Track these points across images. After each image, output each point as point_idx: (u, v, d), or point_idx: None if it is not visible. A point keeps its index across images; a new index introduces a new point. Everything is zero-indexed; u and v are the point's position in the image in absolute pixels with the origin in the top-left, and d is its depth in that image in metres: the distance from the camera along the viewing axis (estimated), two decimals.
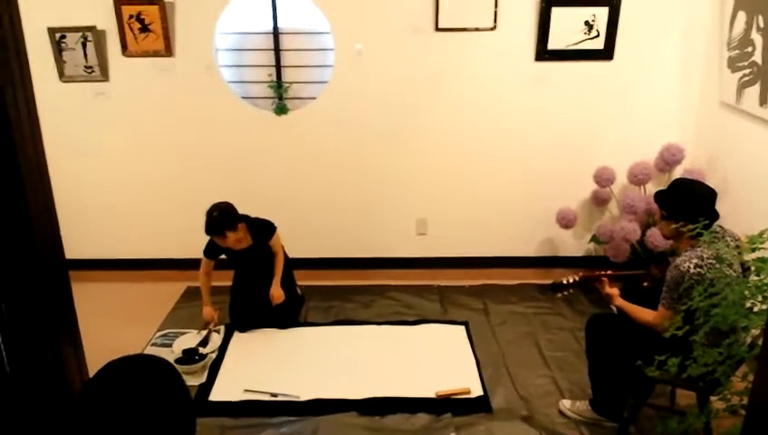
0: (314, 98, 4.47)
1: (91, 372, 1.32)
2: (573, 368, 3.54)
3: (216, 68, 4.39)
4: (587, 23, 4.21)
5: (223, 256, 3.89)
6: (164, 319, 4.11)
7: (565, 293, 3.16)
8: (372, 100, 4.43)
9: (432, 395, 3.32)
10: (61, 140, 4.35)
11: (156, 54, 4.31)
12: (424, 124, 4.49)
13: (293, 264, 4.19)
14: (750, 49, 3.64)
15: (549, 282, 3.39)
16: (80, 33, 4.26)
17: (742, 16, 3.73)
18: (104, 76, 4.37)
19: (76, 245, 4.50)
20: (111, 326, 3.87)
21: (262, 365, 3.64)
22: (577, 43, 4.26)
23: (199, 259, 3.90)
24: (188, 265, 4.09)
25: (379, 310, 4.22)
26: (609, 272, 3.08)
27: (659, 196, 2.85)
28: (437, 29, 4.24)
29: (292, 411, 3.23)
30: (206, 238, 3.78)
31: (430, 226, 4.75)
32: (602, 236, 4.36)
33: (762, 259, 2.19)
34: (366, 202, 4.69)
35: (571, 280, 3.10)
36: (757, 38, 3.56)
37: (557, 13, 4.17)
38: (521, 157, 4.55)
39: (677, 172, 4.20)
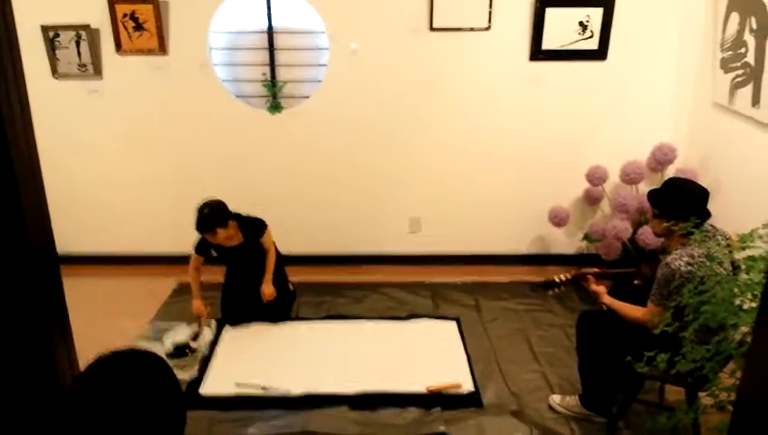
0: (308, 97, 4.47)
1: (82, 366, 1.33)
2: (563, 364, 3.56)
3: (210, 66, 4.39)
4: (581, 23, 4.22)
5: (214, 253, 3.88)
6: (155, 314, 4.11)
7: (556, 290, 3.18)
8: (366, 99, 4.43)
9: (423, 390, 3.33)
10: (54, 137, 4.35)
11: (150, 53, 4.31)
12: (418, 123, 4.50)
13: (286, 260, 4.20)
14: (743, 50, 3.65)
15: (541, 279, 3.40)
16: (73, 32, 4.25)
17: (735, 17, 3.75)
18: (98, 74, 4.37)
19: (68, 240, 4.50)
20: (102, 321, 3.87)
21: (253, 360, 3.65)
22: (571, 44, 4.27)
23: (191, 255, 3.90)
24: (180, 260, 4.09)
25: (370, 306, 4.24)
26: (595, 270, 3.10)
27: (652, 194, 2.87)
28: (432, 29, 4.25)
29: (283, 405, 3.24)
30: (198, 234, 3.78)
31: (423, 224, 4.76)
32: (594, 235, 4.38)
33: (752, 258, 2.22)
34: (359, 200, 4.70)
35: (562, 278, 3.12)
36: (750, 39, 3.58)
37: (551, 13, 4.19)
38: (514, 156, 4.57)
39: (670, 172, 4.22)
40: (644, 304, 2.77)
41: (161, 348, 3.62)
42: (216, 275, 4.04)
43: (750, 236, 2.23)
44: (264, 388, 3.35)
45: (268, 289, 3.91)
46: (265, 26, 4.36)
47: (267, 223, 3.93)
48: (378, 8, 4.24)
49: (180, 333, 3.77)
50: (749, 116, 3.62)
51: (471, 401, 3.27)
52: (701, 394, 2.59)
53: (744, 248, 2.26)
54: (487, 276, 4.61)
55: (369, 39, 4.30)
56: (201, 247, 3.84)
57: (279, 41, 4.40)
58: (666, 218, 2.74)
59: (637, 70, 4.36)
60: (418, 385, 3.36)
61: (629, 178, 4.26)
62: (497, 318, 4.09)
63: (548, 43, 4.27)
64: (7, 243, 1.82)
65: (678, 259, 2.61)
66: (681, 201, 2.74)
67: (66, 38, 4.26)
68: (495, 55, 4.33)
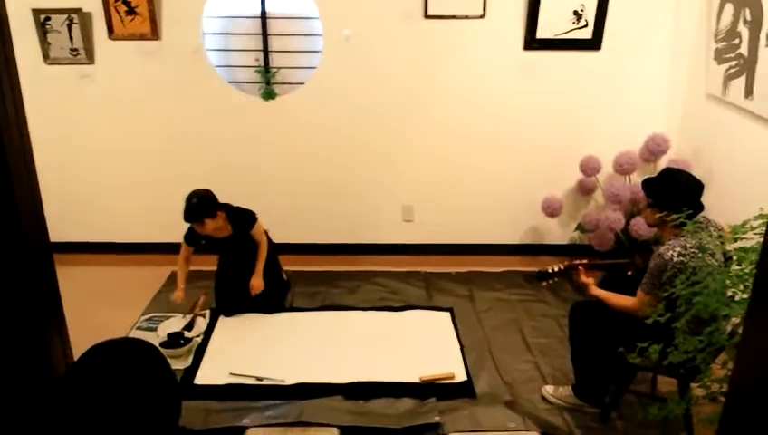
0: (302, 83, 4.45)
1: (76, 355, 1.32)
2: (556, 354, 3.58)
3: (203, 52, 4.36)
4: (576, 12, 4.21)
5: (204, 243, 3.85)
6: (149, 303, 4.10)
7: (550, 281, 3.19)
8: (360, 86, 4.42)
9: (416, 380, 3.34)
10: (45, 123, 4.31)
11: (142, 38, 4.28)
12: (412, 111, 4.48)
13: (280, 249, 4.19)
14: (737, 41, 3.66)
15: (534, 269, 3.41)
16: (65, 16, 4.21)
17: (729, 8, 3.75)
18: (90, 59, 4.33)
19: (61, 228, 4.46)
20: (96, 310, 3.86)
21: (247, 349, 3.65)
22: (565, 33, 4.26)
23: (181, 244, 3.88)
24: (174, 249, 4.07)
25: (364, 296, 4.24)
26: (585, 261, 3.10)
27: (647, 183, 2.87)
28: (426, 16, 4.23)
29: (278, 395, 3.24)
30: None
31: (417, 212, 4.76)
32: (587, 225, 4.39)
33: (744, 249, 2.23)
34: (353, 188, 4.69)
35: (556, 269, 3.13)
36: (744, 30, 3.58)
37: (546, 2, 4.17)
38: (507, 145, 4.56)
39: (663, 162, 4.22)
40: (635, 295, 2.78)
41: (155, 337, 3.62)
42: (211, 264, 4.03)
43: (742, 227, 2.24)
44: (258, 378, 3.36)
45: (257, 282, 3.89)
46: (259, 11, 4.33)
47: (257, 215, 3.89)
48: None
49: (174, 323, 3.77)
50: (742, 107, 3.63)
51: (464, 391, 3.28)
52: (693, 385, 2.61)
53: (735, 239, 2.27)
54: (480, 266, 4.62)
55: (363, 25, 4.28)
56: (190, 237, 3.80)
57: (272, 26, 4.37)
58: (659, 208, 2.75)
59: (631, 60, 4.35)
60: (412, 375, 3.37)
61: (623, 168, 4.27)
62: (491, 308, 4.10)
63: (542, 32, 4.26)
64: (0, 232, 1.81)
65: (671, 250, 2.62)
66: (676, 192, 2.74)
67: (58, 22, 4.22)
68: (490, 43, 4.32)
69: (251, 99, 4.47)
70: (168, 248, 4.36)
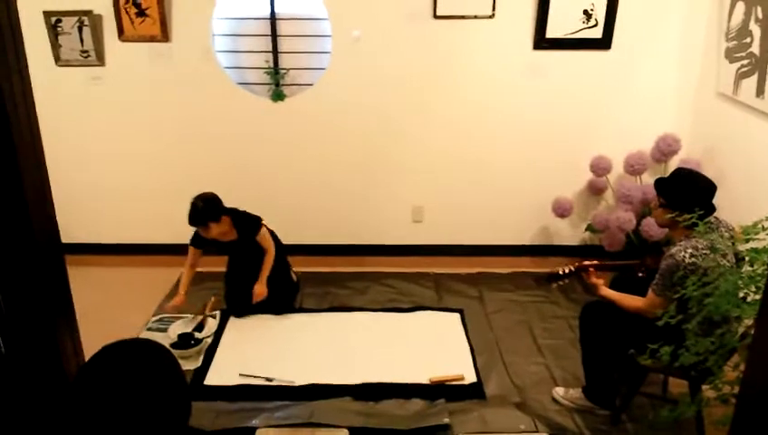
0: (311, 84, 4.46)
1: (87, 355, 1.33)
2: (567, 356, 3.56)
3: (213, 54, 4.37)
4: (585, 11, 4.19)
5: (211, 247, 3.85)
6: (159, 304, 4.11)
7: (560, 283, 3.16)
8: (370, 87, 4.42)
9: (426, 381, 3.34)
10: (57, 125, 4.34)
11: (152, 39, 4.29)
12: (421, 112, 4.48)
13: (289, 250, 4.19)
14: (748, 40, 3.63)
15: (544, 270, 3.40)
16: (76, 18, 4.23)
17: (741, 7, 3.73)
18: (100, 61, 4.35)
19: (72, 229, 4.50)
20: (107, 311, 3.87)
21: (257, 350, 3.65)
22: (575, 32, 4.25)
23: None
24: (185, 250, 4.07)
25: (374, 297, 4.23)
26: (595, 262, 3.08)
27: (659, 184, 2.86)
28: (436, 16, 4.22)
29: (287, 396, 3.24)
30: None
31: (426, 213, 4.76)
32: (598, 226, 4.37)
33: (755, 250, 2.21)
34: (362, 189, 4.69)
35: (566, 270, 3.10)
36: (755, 29, 3.56)
37: (556, 1, 4.16)
38: (517, 145, 4.55)
39: (674, 163, 4.20)
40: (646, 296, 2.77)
41: (166, 338, 3.63)
42: (221, 265, 4.04)
43: (754, 227, 2.22)
44: (268, 379, 3.36)
45: (260, 289, 3.87)
46: (268, 13, 4.34)
47: (263, 220, 3.87)
48: None
49: (185, 324, 3.78)
50: (754, 106, 3.61)
51: (474, 393, 3.28)
52: (704, 387, 2.58)
53: (747, 240, 2.25)
54: (490, 267, 4.61)
55: (372, 26, 4.28)
56: (197, 240, 3.80)
57: (282, 28, 4.38)
58: (671, 209, 2.73)
59: (641, 59, 4.33)
60: (422, 377, 3.37)
61: (633, 168, 4.25)
62: (501, 310, 4.08)
63: (552, 32, 4.25)
64: (12, 232, 1.82)
65: (683, 251, 2.61)
66: (689, 192, 2.72)
67: (68, 24, 4.25)
68: (499, 44, 4.31)
69: (260, 100, 4.48)
70: (179, 250, 4.36)
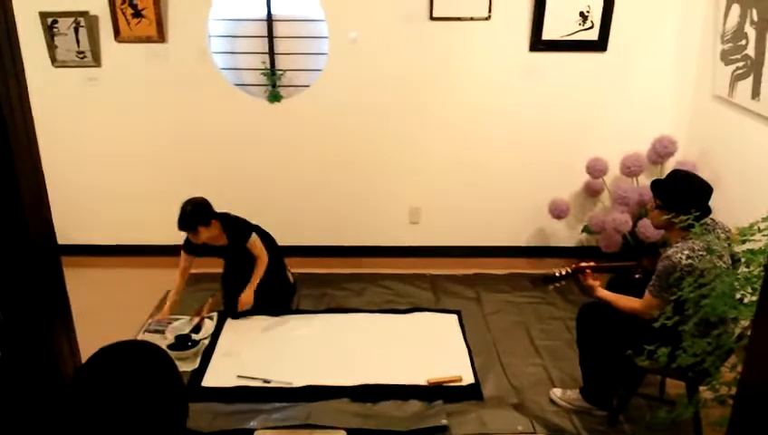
0: (308, 86, 4.46)
1: (84, 357, 1.33)
2: (564, 357, 3.57)
3: (209, 55, 4.37)
4: (582, 13, 4.20)
5: (202, 251, 3.82)
6: (157, 305, 4.10)
7: (557, 285, 3.16)
8: (366, 88, 4.42)
9: (424, 383, 3.34)
10: (53, 126, 4.33)
11: (148, 40, 4.29)
12: (417, 113, 4.48)
13: (286, 251, 4.19)
14: (743, 42, 3.64)
15: (541, 272, 3.40)
16: (72, 18, 4.23)
17: (736, 9, 3.74)
18: (96, 62, 4.34)
19: (68, 231, 4.50)
20: (104, 312, 3.86)
21: (254, 352, 3.65)
22: (571, 34, 4.25)
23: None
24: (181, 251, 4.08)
25: (371, 298, 4.23)
26: (591, 263, 3.09)
27: (656, 185, 2.86)
28: (432, 18, 4.23)
29: (285, 398, 3.24)
30: None
31: (423, 215, 4.76)
32: (594, 227, 4.38)
33: (752, 251, 2.21)
34: (359, 191, 4.69)
35: (563, 272, 3.10)
36: (750, 31, 3.57)
37: (552, 3, 4.17)
38: (514, 147, 4.56)
39: (670, 164, 4.21)
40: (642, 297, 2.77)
41: (163, 340, 3.63)
42: (217, 266, 4.03)
43: (750, 229, 2.23)
44: (265, 380, 3.36)
45: (245, 298, 3.81)
46: (265, 14, 4.34)
47: (255, 226, 3.84)
48: None
49: (182, 326, 3.77)
50: (749, 109, 3.62)
51: (471, 394, 3.28)
52: (702, 388, 2.59)
53: (743, 241, 2.25)
54: (487, 268, 4.61)
55: (368, 28, 4.28)
56: (189, 245, 3.76)
57: (278, 29, 4.38)
58: (667, 210, 2.74)
59: (637, 61, 4.34)
60: (419, 378, 3.37)
61: (630, 170, 4.26)
62: (498, 311, 4.09)
63: (548, 34, 4.25)
64: (8, 234, 1.82)
65: (679, 252, 2.61)
66: (686, 194, 2.73)
67: (65, 25, 4.24)
68: (495, 45, 4.31)
69: (257, 101, 4.47)
70: (176, 251, 4.35)
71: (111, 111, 4.49)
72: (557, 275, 3.11)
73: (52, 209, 2.00)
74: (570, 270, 3.09)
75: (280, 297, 4.06)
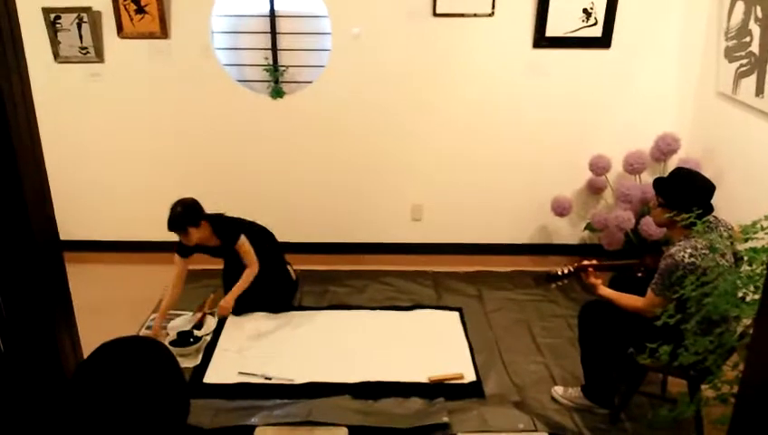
0: (311, 82, 4.45)
1: (86, 353, 1.33)
2: (566, 355, 3.57)
3: (212, 51, 4.37)
4: (585, 10, 4.19)
5: (198, 252, 3.78)
6: (158, 303, 4.10)
7: (559, 283, 3.15)
8: (369, 85, 4.41)
9: (425, 380, 3.34)
10: (55, 121, 4.33)
11: (151, 36, 4.29)
12: (420, 110, 4.48)
13: (288, 248, 4.19)
14: (747, 39, 3.63)
15: (543, 269, 3.39)
16: (75, 14, 4.23)
17: (740, 6, 3.73)
18: (99, 58, 4.35)
19: (71, 227, 4.50)
20: (106, 308, 3.87)
21: (256, 349, 3.65)
22: (575, 31, 4.24)
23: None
24: None
25: (373, 295, 4.23)
26: (594, 262, 3.08)
27: (658, 183, 2.86)
28: (435, 14, 4.22)
29: (286, 394, 3.24)
30: None
31: (426, 211, 4.75)
32: (597, 225, 4.37)
33: (754, 249, 2.21)
34: (362, 187, 4.69)
35: (565, 271, 3.09)
36: (755, 28, 3.56)
37: (555, 0, 4.16)
38: (516, 144, 4.55)
39: (673, 162, 4.20)
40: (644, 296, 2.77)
41: (165, 336, 3.63)
42: (218, 262, 4.03)
43: (753, 227, 2.22)
44: (267, 377, 3.36)
45: (224, 304, 3.73)
46: (268, 10, 4.33)
47: (246, 230, 3.78)
48: None
49: (184, 322, 3.78)
50: (753, 106, 3.61)
51: (473, 392, 3.28)
52: (703, 386, 2.59)
53: (746, 240, 2.25)
54: (489, 266, 4.61)
55: (372, 24, 4.28)
56: (182, 247, 3.72)
57: (281, 25, 4.38)
58: (670, 208, 2.73)
59: (640, 58, 4.33)
60: (421, 375, 3.37)
61: (632, 167, 4.25)
62: (500, 308, 4.08)
63: (551, 31, 4.24)
64: (11, 229, 1.82)
65: (682, 251, 2.61)
66: (688, 192, 2.72)
67: (67, 20, 4.24)
68: (499, 42, 4.31)
69: (259, 97, 4.47)
70: None
71: (114, 107, 4.50)
72: (559, 273, 3.11)
73: (54, 205, 2.00)
74: (572, 268, 3.08)
75: (281, 294, 4.06)
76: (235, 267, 3.97)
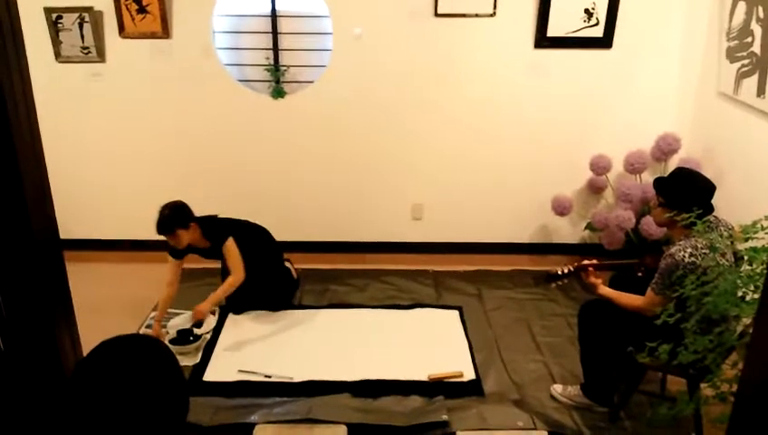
0: (312, 82, 4.46)
1: (86, 351, 1.33)
2: (566, 353, 3.57)
3: (214, 51, 4.37)
4: (587, 10, 4.19)
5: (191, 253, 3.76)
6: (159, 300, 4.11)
7: (559, 283, 3.15)
8: (370, 85, 4.42)
9: (425, 378, 3.34)
10: (57, 121, 4.34)
11: (153, 36, 4.29)
12: (421, 110, 4.48)
13: (289, 247, 4.20)
14: (749, 39, 3.63)
15: (544, 269, 3.40)
16: (77, 14, 4.23)
17: (742, 7, 3.73)
18: (101, 57, 4.35)
19: (71, 225, 4.51)
20: (106, 306, 3.88)
21: (256, 347, 3.66)
22: (576, 31, 4.24)
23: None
24: None
25: (373, 294, 4.24)
26: (594, 261, 3.08)
27: (658, 182, 2.86)
28: (437, 14, 4.22)
29: (286, 392, 3.25)
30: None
31: (426, 211, 4.76)
32: (597, 224, 4.37)
33: (754, 249, 2.21)
34: (362, 187, 4.70)
35: (565, 270, 3.09)
36: (756, 29, 3.56)
37: (557, 0, 4.15)
38: (517, 144, 4.55)
39: (674, 162, 4.20)
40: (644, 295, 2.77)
41: (164, 334, 3.63)
42: (217, 261, 4.03)
43: (753, 226, 2.22)
44: (267, 375, 3.37)
45: (200, 308, 3.62)
46: (269, 10, 4.33)
47: (236, 232, 3.73)
48: None
49: (184, 321, 3.78)
50: (754, 106, 3.60)
51: (472, 390, 3.28)
52: (703, 385, 2.59)
53: (746, 239, 2.25)
54: (490, 265, 4.61)
55: (373, 24, 4.28)
56: (174, 249, 3.68)
57: (282, 25, 4.38)
58: (670, 208, 2.73)
59: (642, 58, 4.33)
60: (420, 374, 3.37)
61: (633, 167, 4.25)
62: (500, 307, 4.09)
63: (553, 31, 4.25)
64: (11, 228, 1.82)
65: (682, 250, 2.61)
66: (689, 192, 2.72)
67: (69, 20, 4.25)
68: (500, 42, 4.31)
69: (261, 97, 4.48)
70: None
71: (115, 107, 4.50)
72: (559, 273, 3.11)
73: (55, 204, 2.00)
74: (572, 268, 3.08)
75: (281, 293, 4.06)
76: None
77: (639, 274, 3.15)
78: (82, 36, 4.29)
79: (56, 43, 4.30)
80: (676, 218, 2.64)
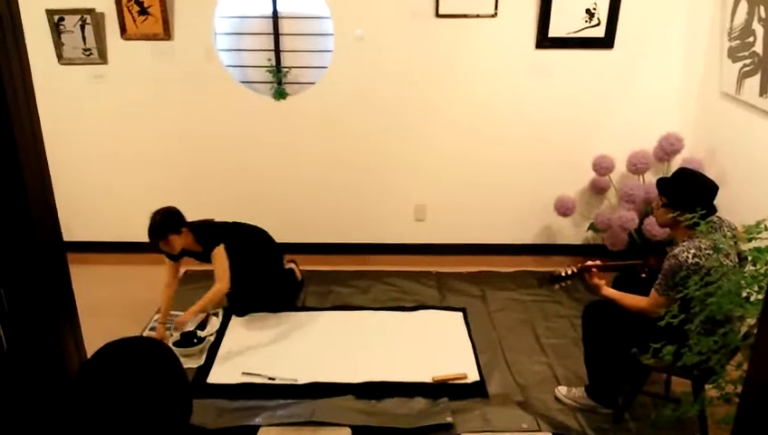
0: (313, 83, 4.46)
1: (89, 353, 1.33)
2: (570, 355, 3.56)
3: (215, 52, 4.37)
4: (588, 10, 4.19)
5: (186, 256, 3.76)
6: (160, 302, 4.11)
7: (563, 284, 3.14)
8: (372, 86, 4.42)
9: (429, 380, 3.34)
10: (59, 123, 4.34)
11: (155, 38, 4.29)
12: (423, 110, 4.48)
13: (292, 248, 4.20)
14: (751, 39, 3.62)
15: (547, 270, 3.39)
16: (78, 16, 4.24)
17: (743, 6, 3.72)
18: (102, 59, 4.35)
19: (74, 227, 4.51)
20: (109, 308, 3.88)
21: (260, 349, 3.66)
22: (578, 31, 4.24)
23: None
24: None
25: (376, 295, 4.23)
26: (597, 262, 3.07)
27: (661, 183, 2.85)
28: (438, 15, 4.22)
29: (290, 394, 3.25)
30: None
31: (429, 212, 4.75)
32: (600, 225, 4.36)
33: (758, 249, 2.21)
34: (365, 188, 4.69)
35: (569, 271, 3.09)
36: (758, 28, 3.55)
37: (558, 0, 4.15)
38: (520, 144, 4.55)
39: (676, 162, 4.19)
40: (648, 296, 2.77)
41: (168, 336, 3.63)
42: None
43: (756, 227, 2.22)
44: (270, 377, 3.37)
45: (181, 318, 3.58)
46: (270, 11, 4.34)
47: (227, 240, 3.71)
48: None
49: (187, 323, 3.77)
50: (757, 106, 3.60)
51: (476, 392, 3.28)
52: (707, 386, 2.58)
53: (750, 240, 2.25)
54: (493, 266, 4.61)
55: (374, 25, 4.28)
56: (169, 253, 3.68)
57: (284, 26, 4.38)
58: (673, 208, 2.73)
59: (644, 58, 4.32)
60: (424, 375, 3.37)
61: (636, 167, 4.24)
62: (503, 308, 4.08)
63: (554, 31, 4.24)
64: (14, 230, 1.83)
65: (685, 251, 2.60)
66: (692, 192, 2.72)
67: (71, 22, 4.25)
68: (501, 42, 4.30)
69: (262, 99, 4.48)
70: None
71: (117, 109, 4.50)
72: (563, 274, 3.10)
73: (57, 206, 2.00)
74: (575, 269, 3.08)
75: (283, 294, 4.06)
76: (239, 266, 3.97)
77: (643, 275, 3.15)
78: (84, 38, 4.29)
79: (58, 45, 4.31)
80: (680, 219, 2.63)
